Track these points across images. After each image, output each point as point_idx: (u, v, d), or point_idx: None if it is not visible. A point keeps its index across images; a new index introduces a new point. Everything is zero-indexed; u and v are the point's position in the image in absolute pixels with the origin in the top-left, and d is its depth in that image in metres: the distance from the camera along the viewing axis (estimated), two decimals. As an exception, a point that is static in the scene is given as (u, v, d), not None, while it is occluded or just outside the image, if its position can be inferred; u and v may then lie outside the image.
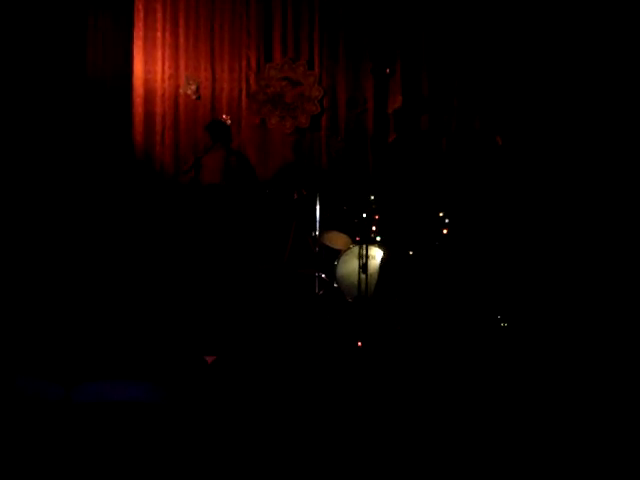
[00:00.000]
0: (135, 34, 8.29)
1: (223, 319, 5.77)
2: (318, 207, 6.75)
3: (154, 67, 8.32)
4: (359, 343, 5.32)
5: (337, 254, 6.72)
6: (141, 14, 8.29)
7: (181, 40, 8.29)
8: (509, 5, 7.55)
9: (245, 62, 8.17)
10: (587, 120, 7.24)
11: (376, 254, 6.43)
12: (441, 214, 6.64)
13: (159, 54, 8.31)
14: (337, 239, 6.88)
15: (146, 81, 8.33)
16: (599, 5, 7.23)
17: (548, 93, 7.42)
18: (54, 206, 7.03)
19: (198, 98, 8.20)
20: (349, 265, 6.54)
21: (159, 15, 8.31)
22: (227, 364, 4.77)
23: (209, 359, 4.54)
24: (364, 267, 6.13)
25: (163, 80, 8.31)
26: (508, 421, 3.91)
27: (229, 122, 7.47)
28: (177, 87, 8.28)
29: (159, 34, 8.31)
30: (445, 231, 6.64)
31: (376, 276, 6.37)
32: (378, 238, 6.57)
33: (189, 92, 8.20)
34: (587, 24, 7.27)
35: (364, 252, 6.18)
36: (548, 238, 6.82)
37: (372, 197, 6.64)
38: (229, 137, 7.26)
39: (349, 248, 6.64)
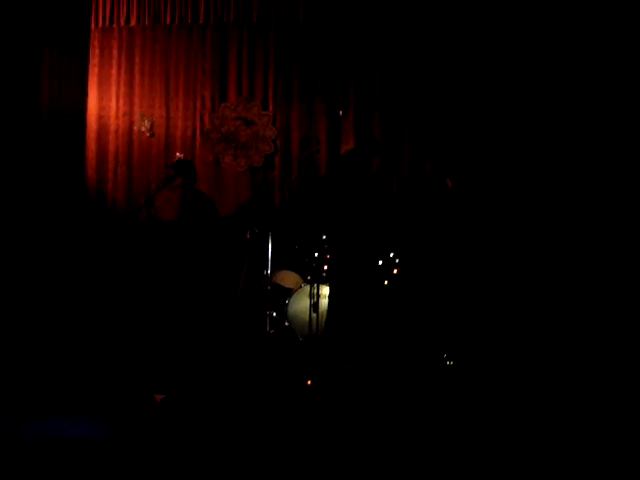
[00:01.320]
0: (90, 70, 8.33)
1: (174, 356, 5.74)
2: (270, 246, 6.80)
3: (108, 103, 8.36)
4: (308, 382, 5.33)
5: (288, 293, 6.76)
6: (97, 50, 8.35)
7: (136, 77, 8.34)
8: (460, 52, 7.76)
9: (200, 101, 8.24)
10: (531, 165, 7.47)
11: (327, 293, 6.48)
12: (391, 254, 6.71)
13: (114, 91, 8.36)
14: (288, 278, 6.93)
15: (100, 117, 8.36)
16: (543, 58, 7.53)
17: (497, 138, 7.63)
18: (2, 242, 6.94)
19: (152, 135, 8.23)
20: (300, 304, 6.59)
21: (115, 52, 8.37)
22: (176, 402, 4.74)
23: (158, 397, 4.51)
24: (315, 306, 6.19)
25: (117, 117, 8.35)
26: (455, 461, 3.96)
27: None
28: (131, 124, 8.31)
29: (114, 71, 8.36)
30: (395, 271, 6.71)
31: (327, 315, 6.40)
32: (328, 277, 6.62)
33: (143, 129, 8.23)
34: (529, 76, 7.56)
35: (315, 291, 6.25)
36: (496, 280, 6.94)
37: (324, 237, 6.70)
38: (194, 175, 7.21)
39: (300, 287, 6.69)
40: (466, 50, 7.74)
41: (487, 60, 7.69)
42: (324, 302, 6.39)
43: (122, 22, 8.29)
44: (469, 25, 7.72)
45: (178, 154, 7.43)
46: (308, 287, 6.44)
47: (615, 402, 4.85)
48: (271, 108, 8.12)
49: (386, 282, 6.64)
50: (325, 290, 6.46)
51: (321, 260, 6.67)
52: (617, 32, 7.32)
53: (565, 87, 7.49)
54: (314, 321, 6.26)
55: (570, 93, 7.47)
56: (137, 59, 8.35)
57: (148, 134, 8.24)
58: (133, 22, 8.27)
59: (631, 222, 7.10)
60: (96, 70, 8.37)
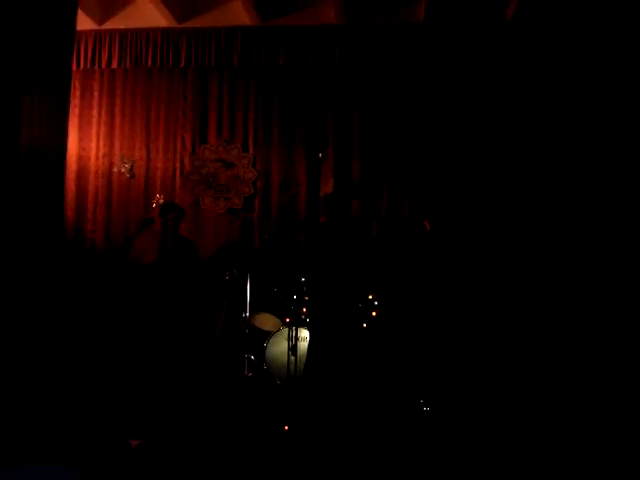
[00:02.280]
0: (71, 111, 8.31)
1: (151, 400, 5.68)
2: (249, 288, 6.78)
3: (89, 144, 8.39)
4: (285, 427, 5.29)
5: (267, 335, 6.73)
6: (78, 92, 8.40)
7: (117, 119, 8.38)
8: (437, 96, 7.88)
9: (180, 142, 8.29)
10: (507, 208, 7.58)
11: (306, 336, 6.45)
12: (371, 297, 6.71)
13: (94, 132, 8.40)
14: (267, 320, 6.90)
15: (80, 158, 8.38)
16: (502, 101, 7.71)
17: (474, 181, 7.72)
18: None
19: (132, 177, 8.25)
20: (279, 347, 6.55)
21: (96, 93, 8.43)
22: (152, 448, 4.69)
23: (134, 443, 4.46)
24: (293, 349, 6.16)
25: (97, 158, 8.37)
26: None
27: (162, 201, 7.46)
28: (111, 165, 8.33)
29: (95, 112, 8.41)
30: (374, 314, 6.71)
31: (305, 358, 6.37)
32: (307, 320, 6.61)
33: (123, 170, 8.25)
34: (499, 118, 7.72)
35: (293, 334, 6.23)
36: (475, 325, 6.96)
37: (303, 279, 6.69)
38: (180, 220, 7.18)
39: (279, 330, 6.66)
40: (443, 93, 7.87)
41: (464, 104, 7.83)
42: (302, 345, 6.36)
43: (103, 64, 8.34)
44: (445, 70, 7.87)
45: (157, 195, 7.44)
46: (286, 330, 6.41)
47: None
48: (251, 150, 8.17)
49: (365, 325, 6.63)
50: (304, 333, 6.44)
51: (300, 303, 6.65)
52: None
53: (539, 133, 7.66)
54: (292, 364, 6.22)
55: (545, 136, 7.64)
56: (118, 101, 8.40)
57: (128, 175, 8.25)
58: (114, 64, 8.32)
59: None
60: (77, 111, 8.41)
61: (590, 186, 7.51)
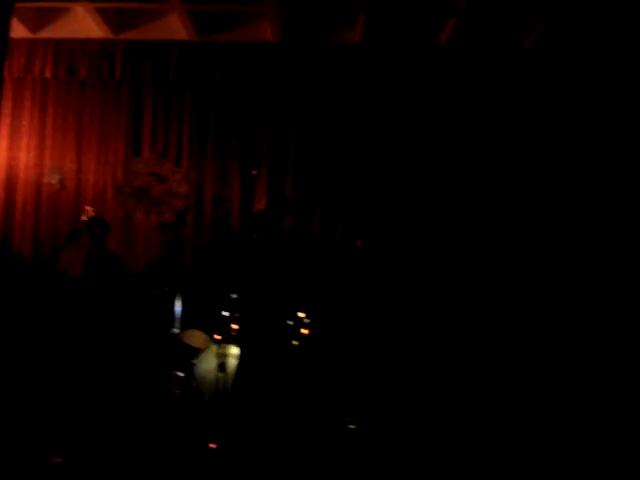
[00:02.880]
0: (1, 120, 8.17)
1: (75, 417, 5.59)
2: (179, 304, 6.72)
3: (18, 154, 8.22)
4: (212, 445, 5.27)
5: (196, 352, 6.68)
6: (9, 102, 8.21)
7: (48, 129, 8.25)
8: (371, 118, 7.99)
9: (112, 155, 8.18)
10: (441, 227, 7.73)
11: (235, 353, 6.43)
12: (301, 314, 6.72)
13: (24, 142, 8.23)
14: (196, 337, 6.84)
15: (9, 167, 8.21)
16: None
17: (407, 201, 7.85)
18: None
19: (62, 188, 8.11)
20: (208, 364, 6.51)
21: (27, 103, 8.28)
22: (76, 465, 4.62)
23: (56, 460, 4.40)
24: (222, 366, 6.12)
25: (27, 168, 8.21)
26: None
27: (92, 214, 7.36)
28: (41, 176, 8.17)
29: (26, 122, 8.25)
30: (305, 331, 6.72)
31: (235, 375, 6.35)
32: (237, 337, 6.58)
33: (53, 182, 8.11)
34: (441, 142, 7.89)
35: (223, 351, 6.20)
36: (407, 344, 7.04)
37: (234, 296, 6.66)
38: (106, 235, 7.09)
39: (208, 347, 6.62)
40: (377, 114, 7.99)
41: (396, 126, 7.96)
42: (232, 362, 6.34)
43: (37, 73, 8.19)
44: (378, 92, 7.99)
45: (87, 207, 7.34)
46: (216, 347, 6.38)
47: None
48: (185, 165, 8.13)
49: (295, 342, 6.64)
50: (233, 350, 6.41)
51: (230, 319, 6.61)
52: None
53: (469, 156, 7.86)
54: (221, 381, 6.19)
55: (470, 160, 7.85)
56: (50, 111, 8.27)
57: (58, 186, 8.11)
58: (48, 73, 8.19)
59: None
60: (8, 120, 8.23)
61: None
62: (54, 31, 8.15)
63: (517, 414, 5.96)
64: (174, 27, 7.94)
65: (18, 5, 7.10)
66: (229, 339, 6.44)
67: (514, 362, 6.86)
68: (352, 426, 5.80)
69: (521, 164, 7.82)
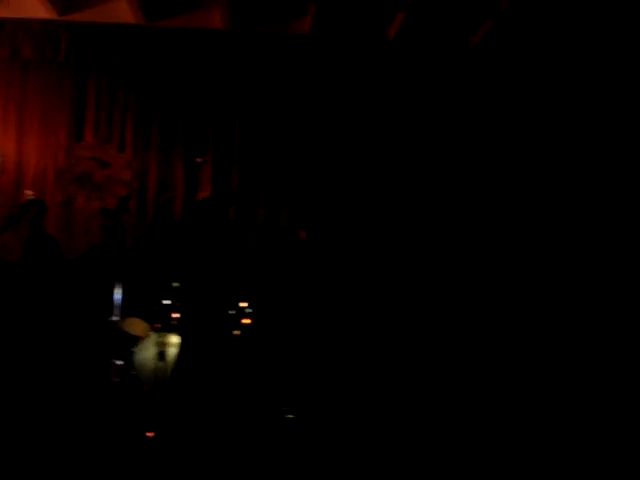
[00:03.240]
0: (-61, 102, 7.97)
1: (11, 404, 5.51)
2: (119, 291, 6.64)
3: (-45, 136, 8.01)
4: (149, 434, 5.24)
5: (136, 341, 6.61)
6: (-52, 81, 8.00)
7: (-12, 111, 8.05)
8: (318, 109, 8.00)
9: (54, 139, 8.02)
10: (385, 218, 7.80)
11: (175, 342, 6.38)
12: (244, 304, 6.71)
13: (-38, 123, 8.02)
14: (136, 325, 6.76)
15: (-54, 149, 8.00)
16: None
17: (353, 189, 7.90)
18: None
19: (1, 172, 7.93)
20: (147, 352, 6.44)
21: (-33, 83, 8.06)
22: (11, 455, 4.56)
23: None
24: (162, 355, 6.08)
25: (-35, 149, 8.00)
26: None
27: (32, 197, 7.23)
28: (-22, 159, 7.99)
29: (-36, 103, 8.04)
30: (248, 321, 6.70)
31: (174, 364, 6.31)
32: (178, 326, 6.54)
33: (-8, 164, 7.93)
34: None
35: (163, 340, 6.15)
36: (350, 333, 7.08)
37: (175, 284, 6.61)
38: (43, 216, 6.97)
39: (148, 335, 6.56)
40: (325, 105, 8.01)
41: (344, 117, 7.99)
42: (172, 351, 6.29)
43: (-23, 51, 8.00)
44: (327, 83, 8.00)
45: (27, 191, 7.20)
46: (156, 335, 6.32)
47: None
48: (128, 151, 8.01)
49: (237, 332, 6.62)
50: (173, 339, 6.36)
51: (171, 308, 6.56)
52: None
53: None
54: (161, 370, 6.14)
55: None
56: (-10, 91, 8.07)
57: (-3, 169, 7.94)
58: (-11, 53, 8.00)
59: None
60: (-57, 102, 8.03)
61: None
62: (-2, 10, 7.96)
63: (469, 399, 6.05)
64: (122, 10, 7.80)
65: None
66: (169, 328, 6.40)
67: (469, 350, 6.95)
68: (290, 415, 5.83)
69: (464, 158, 7.93)
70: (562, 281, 7.41)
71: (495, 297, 7.40)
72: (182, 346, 6.18)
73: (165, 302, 6.58)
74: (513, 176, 7.87)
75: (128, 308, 6.78)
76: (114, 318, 6.66)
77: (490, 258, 7.65)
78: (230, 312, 6.58)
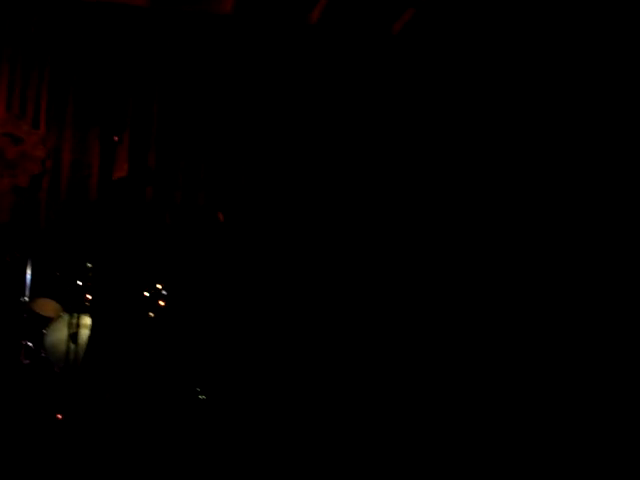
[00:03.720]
0: None
1: None
2: (30, 271, 6.49)
3: None
4: (59, 416, 5.16)
5: (47, 322, 6.48)
6: None
7: None
8: (239, 90, 7.95)
9: (-36, 113, 7.76)
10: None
11: (88, 323, 6.28)
12: (159, 286, 6.65)
13: None
14: (47, 306, 6.63)
15: None
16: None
17: (274, 178, 7.90)
18: None
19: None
20: (59, 334, 6.32)
21: None
22: None
23: None
24: (74, 336, 5.98)
25: None
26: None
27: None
28: None
29: None
30: (162, 303, 6.65)
31: (86, 346, 6.21)
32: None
33: None
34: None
35: (75, 321, 6.04)
36: (266, 315, 7.10)
37: (89, 264, 6.49)
38: None
39: (60, 316, 6.44)
40: (245, 87, 7.97)
41: (267, 98, 7.98)
42: (84, 333, 6.19)
43: None
44: (251, 60, 7.96)
45: None
46: (68, 316, 6.21)
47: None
48: (42, 128, 7.77)
49: (152, 314, 6.56)
50: (86, 320, 6.26)
51: (84, 289, 6.44)
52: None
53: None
54: (73, 352, 6.04)
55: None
56: None
57: None
58: None
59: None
60: None
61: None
62: None
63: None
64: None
65: None
66: (82, 309, 6.29)
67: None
68: (202, 396, 5.84)
69: (385, 146, 8.00)
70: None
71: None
72: (94, 328, 6.09)
73: (78, 282, 6.48)
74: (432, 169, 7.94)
75: (39, 288, 6.64)
76: (24, 299, 6.52)
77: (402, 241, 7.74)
78: (145, 294, 6.52)
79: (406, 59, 8.04)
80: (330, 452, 4.97)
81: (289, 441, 5.13)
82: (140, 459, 4.71)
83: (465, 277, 7.21)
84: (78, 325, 5.95)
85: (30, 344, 6.48)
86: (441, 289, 7.31)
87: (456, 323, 6.96)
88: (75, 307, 6.19)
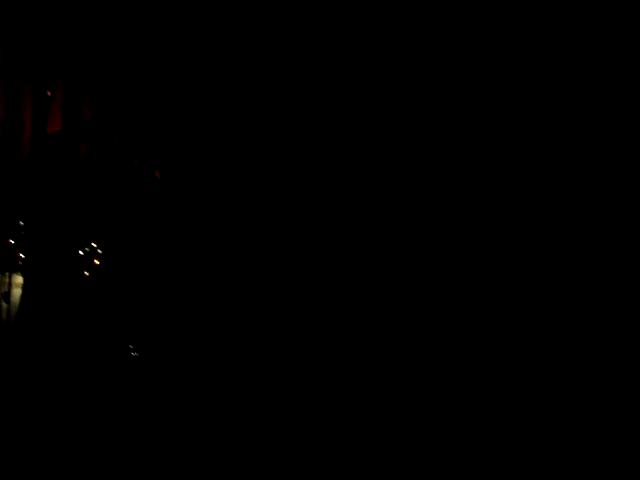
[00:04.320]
0: None
1: None
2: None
3: None
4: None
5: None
6: None
7: None
8: (173, 42, 7.82)
9: None
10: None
11: (20, 282, 6.21)
12: (94, 244, 6.60)
13: None
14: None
15: None
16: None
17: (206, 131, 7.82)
18: None
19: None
20: (-9, 293, 6.25)
21: None
22: None
23: None
24: (6, 296, 5.93)
25: None
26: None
27: None
28: None
29: None
30: (97, 262, 6.60)
31: (19, 305, 6.16)
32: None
33: None
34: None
35: (7, 280, 5.98)
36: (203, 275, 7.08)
37: (21, 222, 6.41)
38: None
39: (-9, 275, 6.36)
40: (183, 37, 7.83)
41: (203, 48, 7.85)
42: (17, 292, 6.14)
43: None
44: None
45: None
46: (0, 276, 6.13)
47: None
48: (-29, 81, 7.60)
49: (87, 273, 6.52)
50: (19, 279, 6.20)
51: (16, 247, 6.36)
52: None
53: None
54: (5, 312, 5.99)
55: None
56: None
57: None
58: None
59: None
60: None
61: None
62: None
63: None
64: None
65: None
66: (15, 268, 6.22)
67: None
68: (135, 354, 5.87)
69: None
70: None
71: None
72: (27, 287, 6.03)
73: (10, 241, 6.39)
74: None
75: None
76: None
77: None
78: (80, 252, 6.46)
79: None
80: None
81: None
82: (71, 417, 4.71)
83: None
84: (10, 284, 5.90)
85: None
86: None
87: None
88: (7, 266, 6.13)
